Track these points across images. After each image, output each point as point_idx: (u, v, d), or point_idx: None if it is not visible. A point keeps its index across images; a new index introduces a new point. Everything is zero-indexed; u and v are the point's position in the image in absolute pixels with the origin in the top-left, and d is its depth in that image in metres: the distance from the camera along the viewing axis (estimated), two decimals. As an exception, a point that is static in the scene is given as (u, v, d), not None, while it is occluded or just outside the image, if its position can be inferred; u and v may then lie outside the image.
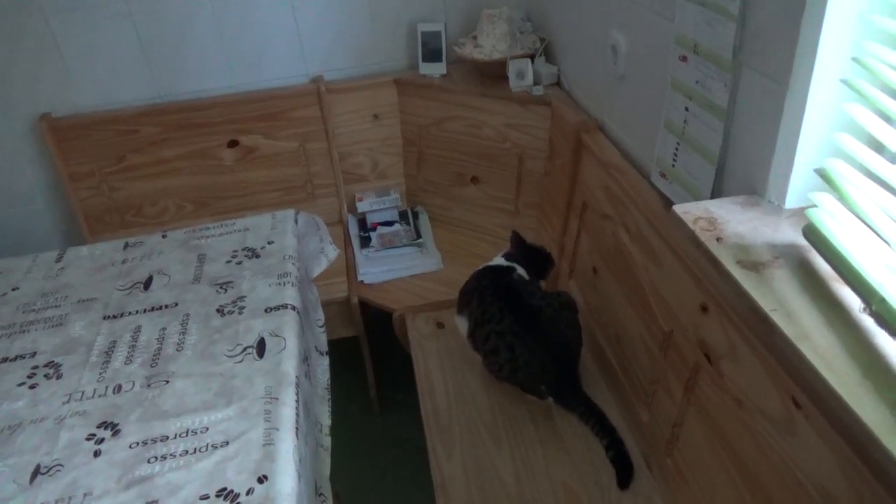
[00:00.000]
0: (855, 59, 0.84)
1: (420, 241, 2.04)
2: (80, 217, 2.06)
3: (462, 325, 1.48)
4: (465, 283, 1.51)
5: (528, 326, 1.35)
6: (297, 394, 1.10)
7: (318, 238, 1.65)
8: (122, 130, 2.00)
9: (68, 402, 1.10)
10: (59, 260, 1.48)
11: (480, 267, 1.52)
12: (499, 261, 1.52)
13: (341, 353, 1.80)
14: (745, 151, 1.07)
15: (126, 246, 1.50)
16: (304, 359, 1.25)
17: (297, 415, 1.07)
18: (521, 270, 1.48)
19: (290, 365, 1.14)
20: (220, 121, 2.05)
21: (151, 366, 1.16)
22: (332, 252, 1.66)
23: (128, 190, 2.07)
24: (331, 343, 1.58)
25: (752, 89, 1.02)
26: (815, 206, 0.91)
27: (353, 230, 2.13)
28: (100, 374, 1.15)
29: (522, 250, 1.55)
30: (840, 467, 0.80)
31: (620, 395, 1.43)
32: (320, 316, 1.54)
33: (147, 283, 1.37)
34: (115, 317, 1.29)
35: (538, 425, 1.40)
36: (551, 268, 1.58)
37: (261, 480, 0.93)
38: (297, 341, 1.20)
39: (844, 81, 0.85)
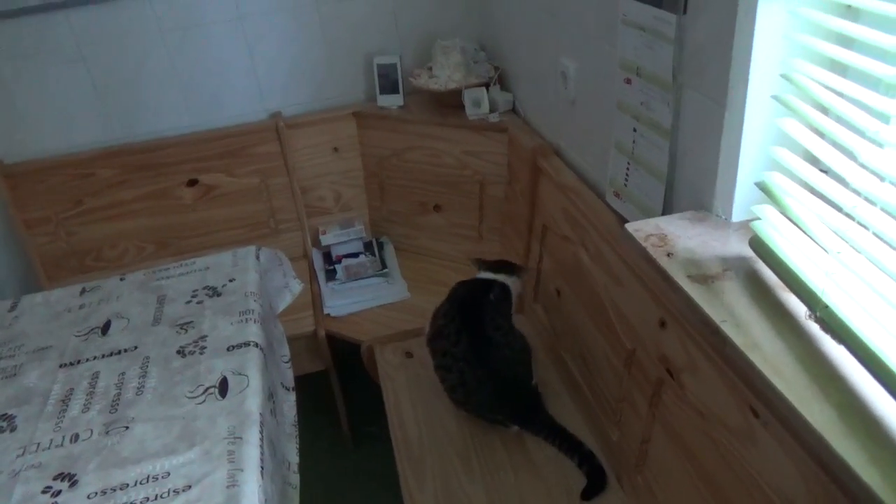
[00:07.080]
0: (783, 76, 0.87)
1: (385, 271, 2.04)
2: (37, 264, 2.02)
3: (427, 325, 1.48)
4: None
5: (479, 355, 1.35)
6: (261, 432, 1.08)
7: (282, 273, 1.64)
8: (78, 174, 1.98)
9: (23, 454, 1.06)
10: (12, 309, 1.44)
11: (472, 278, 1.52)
12: (485, 275, 1.52)
13: (311, 388, 1.78)
14: (692, 168, 1.10)
15: (83, 291, 1.47)
16: (270, 396, 1.24)
17: (262, 454, 1.05)
18: (501, 278, 1.48)
19: (253, 403, 1.12)
20: (178, 160, 2.03)
21: (110, 412, 1.13)
22: (297, 286, 1.65)
23: (86, 234, 2.04)
24: (300, 378, 1.55)
25: (694, 108, 1.06)
26: (759, 218, 0.94)
27: (318, 263, 2.12)
28: (56, 423, 1.12)
29: (492, 265, 1.55)
30: (799, 473, 0.82)
31: (590, 416, 1.44)
32: (286, 352, 1.53)
33: (105, 328, 1.35)
34: (71, 364, 1.26)
35: (510, 451, 1.40)
36: (520, 268, 1.57)
37: (225, 523, 0.92)
38: (260, 379, 1.19)
39: (776, 97, 0.89)
